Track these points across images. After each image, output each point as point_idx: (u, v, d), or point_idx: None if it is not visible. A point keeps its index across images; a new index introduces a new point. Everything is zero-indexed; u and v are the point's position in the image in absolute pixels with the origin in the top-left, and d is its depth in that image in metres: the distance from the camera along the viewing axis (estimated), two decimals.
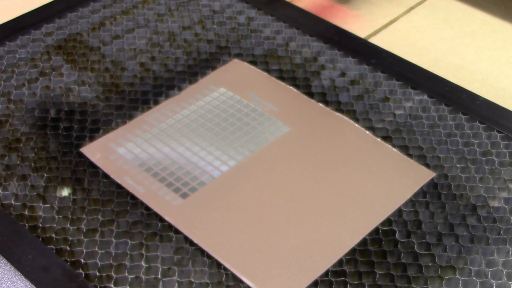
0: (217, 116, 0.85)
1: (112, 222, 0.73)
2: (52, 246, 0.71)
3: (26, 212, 0.74)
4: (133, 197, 0.76)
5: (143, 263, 0.70)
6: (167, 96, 0.88)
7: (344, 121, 0.84)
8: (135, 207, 0.75)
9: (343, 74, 0.90)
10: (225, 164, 0.79)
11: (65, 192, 0.76)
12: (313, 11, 1.03)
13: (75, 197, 0.76)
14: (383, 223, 0.73)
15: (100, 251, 0.71)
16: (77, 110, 0.86)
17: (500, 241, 0.72)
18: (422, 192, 0.76)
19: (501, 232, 0.72)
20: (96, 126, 0.84)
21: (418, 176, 0.78)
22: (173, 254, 0.70)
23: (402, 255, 0.70)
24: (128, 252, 0.71)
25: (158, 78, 0.90)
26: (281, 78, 0.90)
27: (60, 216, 0.74)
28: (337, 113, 0.85)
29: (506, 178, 0.77)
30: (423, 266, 0.70)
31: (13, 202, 0.75)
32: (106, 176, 0.78)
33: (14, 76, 0.90)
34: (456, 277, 0.69)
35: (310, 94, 0.88)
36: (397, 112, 0.85)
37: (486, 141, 0.81)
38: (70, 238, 0.72)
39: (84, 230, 0.72)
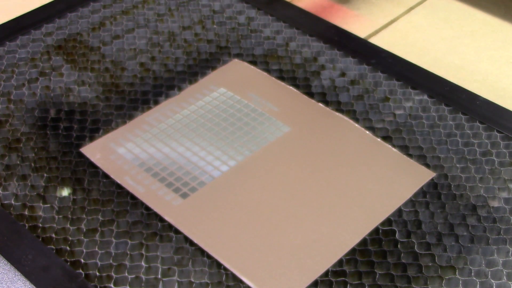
0: (217, 116, 0.85)
1: (112, 222, 0.73)
2: (52, 246, 0.71)
3: (26, 212, 0.74)
4: (133, 197, 0.76)
5: (143, 263, 0.70)
6: (167, 96, 0.88)
7: (344, 121, 0.84)
8: (135, 207, 0.75)
9: (343, 74, 0.90)
10: (225, 164, 0.79)
11: (65, 192, 0.76)
12: (313, 11, 1.03)
13: (75, 197, 0.76)
14: (383, 223, 0.73)
15: (100, 251, 0.71)
16: (77, 110, 0.86)
17: (500, 241, 0.72)
18: (422, 192, 0.76)
19: (501, 232, 0.72)
20: (96, 126, 0.84)
21: (418, 176, 0.78)
22: (173, 254, 0.70)
23: (402, 255, 0.70)
24: (128, 252, 0.71)
25: (158, 78, 0.90)
26: (281, 78, 0.90)
27: (60, 216, 0.74)
28: (337, 113, 0.85)
29: (506, 178, 0.77)
30: (423, 266, 0.70)
31: (13, 202, 0.75)
32: (106, 176, 0.78)
33: (14, 76, 0.90)
34: (456, 277, 0.69)
35: (310, 94, 0.88)
36: (397, 112, 0.85)
37: (486, 141, 0.81)
38: (70, 238, 0.72)
39: (84, 230, 0.72)
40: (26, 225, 0.73)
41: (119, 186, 0.77)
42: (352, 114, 0.85)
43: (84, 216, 0.74)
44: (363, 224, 0.73)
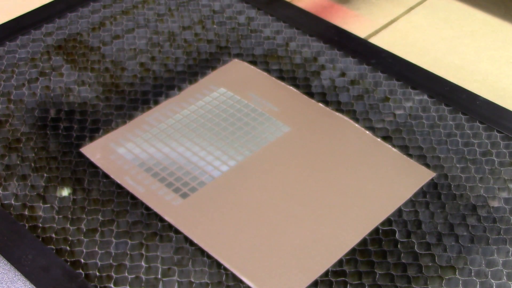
0: (217, 116, 0.85)
1: (112, 222, 0.73)
2: (52, 246, 0.71)
3: (26, 212, 0.74)
4: (133, 197, 0.76)
5: (143, 263, 0.70)
6: (167, 96, 0.88)
7: (344, 121, 0.84)
8: (135, 207, 0.75)
9: (343, 74, 0.90)
10: (225, 164, 0.79)
11: (65, 192, 0.76)
12: (313, 11, 1.03)
13: (75, 197, 0.76)
14: (383, 223, 0.73)
15: (100, 251, 0.71)
16: (77, 110, 0.86)
17: (500, 241, 0.72)
18: (422, 192, 0.76)
19: (501, 232, 0.72)
20: (96, 126, 0.84)
21: (418, 176, 0.78)
22: (173, 254, 0.70)
23: (402, 255, 0.70)
24: (128, 252, 0.71)
25: (158, 78, 0.90)
26: (281, 78, 0.90)
27: (60, 216, 0.74)
28: (337, 113, 0.85)
29: (506, 178, 0.77)
30: (423, 266, 0.70)
31: (13, 202, 0.75)
32: (106, 176, 0.78)
33: (14, 76, 0.90)
34: (456, 277, 0.69)
35: (310, 94, 0.88)
36: (397, 112, 0.85)
37: (486, 141, 0.81)
38: (70, 238, 0.72)
39: (84, 230, 0.72)
40: (26, 225, 0.73)
41: (119, 186, 0.77)
42: (352, 114, 0.85)
43: (84, 216, 0.74)
44: (363, 224, 0.73)
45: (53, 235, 0.72)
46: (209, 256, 0.70)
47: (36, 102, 0.86)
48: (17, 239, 0.71)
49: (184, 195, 0.76)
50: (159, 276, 0.69)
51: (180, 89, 0.89)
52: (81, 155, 0.80)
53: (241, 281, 0.68)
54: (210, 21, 0.98)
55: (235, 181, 0.77)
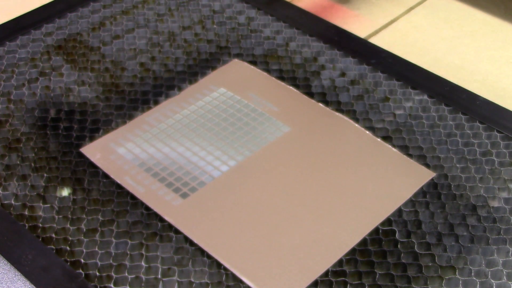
0: (217, 116, 0.85)
1: (112, 222, 0.73)
2: (52, 246, 0.71)
3: (26, 212, 0.74)
4: (133, 197, 0.76)
5: (143, 263, 0.70)
6: (167, 96, 0.88)
7: (344, 121, 0.84)
8: (135, 207, 0.75)
9: (343, 74, 0.90)
10: (225, 164, 0.79)
11: (65, 192, 0.76)
12: (313, 11, 1.03)
13: (75, 197, 0.76)
14: (383, 223, 0.73)
15: (100, 251, 0.71)
16: (77, 110, 0.86)
17: (500, 241, 0.72)
18: (422, 192, 0.76)
19: (501, 232, 0.72)
20: (96, 126, 0.84)
21: (418, 176, 0.78)
22: (173, 254, 0.70)
23: (402, 255, 0.70)
24: (128, 252, 0.71)
25: (158, 78, 0.90)
26: (281, 78, 0.90)
27: (60, 216, 0.74)
28: (337, 113, 0.85)
29: (506, 178, 0.77)
30: (423, 266, 0.69)
31: (13, 202, 0.75)
32: (106, 176, 0.78)
33: (14, 76, 0.90)
34: (456, 277, 0.69)
35: (310, 94, 0.88)
36: (397, 112, 0.85)
37: (486, 141, 0.81)
38: (70, 238, 0.72)
39: (84, 230, 0.72)
40: (26, 225, 0.73)
41: (119, 186, 0.77)
42: (352, 114, 0.85)
43: (84, 216, 0.74)
44: (363, 224, 0.73)
45: (53, 235, 0.72)
46: (209, 256, 0.70)
47: (36, 102, 0.86)
48: (17, 239, 0.71)
49: (184, 195, 0.76)
50: (159, 276, 0.69)
51: (180, 89, 0.89)
52: (81, 155, 0.80)
53: (241, 281, 0.68)
54: (210, 21, 0.98)
55: (235, 181, 0.77)
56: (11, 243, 0.71)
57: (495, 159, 0.79)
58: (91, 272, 0.69)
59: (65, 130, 0.83)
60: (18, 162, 0.79)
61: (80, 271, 0.69)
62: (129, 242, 0.71)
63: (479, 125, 0.83)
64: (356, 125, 0.84)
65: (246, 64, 0.92)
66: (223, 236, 0.72)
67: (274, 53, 0.94)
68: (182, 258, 0.70)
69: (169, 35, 0.96)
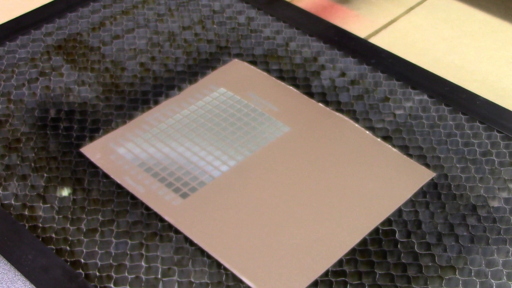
0: (217, 116, 0.85)
1: (112, 222, 0.73)
2: (52, 246, 0.71)
3: (26, 212, 0.74)
4: (133, 197, 0.76)
5: (143, 263, 0.70)
6: (167, 96, 0.88)
7: (344, 121, 0.84)
8: (135, 207, 0.75)
9: (343, 74, 0.90)
10: (225, 164, 0.79)
11: (65, 192, 0.76)
12: (313, 11, 1.03)
13: (75, 197, 0.76)
14: (383, 223, 0.73)
15: (100, 251, 0.71)
16: (77, 110, 0.86)
17: (500, 241, 0.72)
18: (422, 192, 0.76)
19: (501, 232, 0.72)
20: (96, 126, 0.84)
21: (418, 176, 0.78)
22: (173, 254, 0.70)
23: (402, 255, 0.70)
24: (128, 252, 0.71)
25: (158, 78, 0.90)
26: (281, 78, 0.90)
27: (60, 216, 0.74)
28: (337, 113, 0.85)
29: (506, 178, 0.77)
30: (423, 266, 0.70)
31: (13, 202, 0.75)
32: (106, 176, 0.78)
33: (14, 76, 0.90)
34: (456, 277, 0.69)
35: (310, 94, 0.88)
36: (397, 112, 0.85)
37: (486, 141, 0.81)
38: (70, 238, 0.72)
39: (84, 230, 0.72)
40: (26, 225, 0.73)
41: (119, 186, 0.77)
42: (352, 114, 0.85)
43: (84, 216, 0.74)
44: (363, 224, 0.73)
45: (53, 235, 0.72)
46: (209, 256, 0.70)
47: (36, 102, 0.86)
48: (17, 239, 0.71)
49: (184, 195, 0.76)
50: (159, 276, 0.69)
51: (180, 89, 0.89)
52: (81, 155, 0.80)
53: (241, 281, 0.68)
54: (210, 21, 0.98)
55: (235, 181, 0.77)
56: (11, 243, 0.71)
57: (495, 159, 0.79)
58: (91, 272, 0.69)
59: (65, 130, 0.83)
60: (18, 162, 0.79)
61: (80, 271, 0.69)
62: (129, 242, 0.71)
63: (479, 125, 0.83)
64: (356, 125, 0.84)
65: (246, 64, 0.92)
66: (223, 236, 0.72)
67: (274, 53, 0.94)
68: (182, 258, 0.70)
69: (169, 35, 0.96)
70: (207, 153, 0.80)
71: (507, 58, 0.98)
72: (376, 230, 0.73)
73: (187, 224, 0.73)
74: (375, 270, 0.69)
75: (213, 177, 0.78)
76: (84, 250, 0.71)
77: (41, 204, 0.75)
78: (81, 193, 0.76)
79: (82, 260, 0.70)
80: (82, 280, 0.68)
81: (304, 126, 0.84)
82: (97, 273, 0.69)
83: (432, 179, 0.77)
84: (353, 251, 0.71)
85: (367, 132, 0.83)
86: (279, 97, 0.87)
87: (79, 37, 0.96)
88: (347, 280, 0.68)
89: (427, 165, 0.79)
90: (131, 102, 0.87)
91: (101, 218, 0.73)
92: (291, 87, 0.89)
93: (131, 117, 0.85)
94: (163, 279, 0.69)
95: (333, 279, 0.69)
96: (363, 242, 0.72)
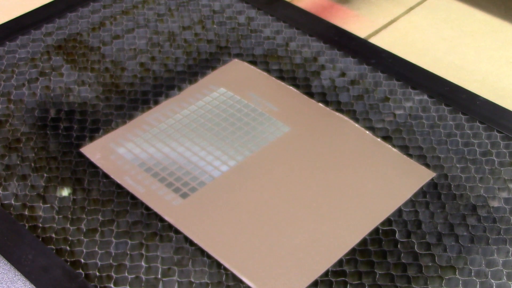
0: (217, 116, 0.85)
1: (112, 222, 0.73)
2: (52, 246, 0.71)
3: (26, 212, 0.74)
4: (133, 197, 0.76)
5: (143, 263, 0.70)
6: (167, 96, 0.88)
7: (344, 121, 0.84)
8: (135, 207, 0.75)
9: (343, 74, 0.90)
10: (225, 164, 0.79)
11: (65, 192, 0.76)
12: (313, 11, 1.03)
13: (75, 197, 0.76)
14: (383, 223, 0.73)
15: (100, 251, 0.71)
16: (77, 110, 0.86)
17: (500, 241, 0.72)
18: (422, 192, 0.76)
19: (501, 232, 0.72)
20: (96, 126, 0.84)
21: (418, 176, 0.78)
22: (173, 254, 0.70)
23: (402, 255, 0.70)
24: (128, 252, 0.71)
25: (158, 78, 0.90)
26: (281, 78, 0.90)
27: (60, 216, 0.74)
28: (337, 113, 0.85)
29: (506, 178, 0.77)
30: (423, 266, 0.70)
31: (13, 202, 0.75)
32: (106, 176, 0.78)
33: (14, 76, 0.90)
34: (456, 277, 0.69)
35: (310, 94, 0.88)
36: (397, 112, 0.85)
37: (486, 141, 0.81)
38: (70, 238, 0.72)
39: (84, 230, 0.72)
40: (26, 225, 0.73)
41: (119, 186, 0.77)
42: (352, 114, 0.85)
43: (84, 216, 0.74)
44: (363, 224, 0.73)
45: (53, 235, 0.72)
46: (209, 256, 0.70)
47: (36, 102, 0.86)
48: (17, 239, 0.71)
49: (184, 195, 0.76)
50: (159, 276, 0.69)
51: (180, 89, 0.89)
52: (81, 155, 0.80)
53: (241, 281, 0.68)
54: (210, 21, 0.98)
55: (235, 181, 0.77)
56: (11, 243, 0.71)
57: (495, 159, 0.79)
58: (91, 272, 0.69)
59: (65, 130, 0.83)
60: (18, 162, 0.79)
61: (80, 271, 0.69)
62: (129, 242, 0.71)
63: (479, 125, 0.83)
64: (356, 125, 0.84)
65: (246, 64, 0.92)
66: (223, 236, 0.72)
67: (274, 53, 0.94)
68: (182, 258, 0.70)
69: (169, 35, 0.96)
70: (207, 153, 0.80)
71: (507, 58, 0.98)
72: (376, 230, 0.73)
73: (187, 224, 0.73)
74: (375, 270, 0.69)
75: (213, 177, 0.78)
76: (84, 250, 0.71)
77: (41, 204, 0.75)
78: (81, 193, 0.76)
79: (82, 260, 0.70)
80: (82, 280, 0.68)
81: (304, 126, 0.84)
82: (97, 273, 0.69)
83: (432, 179, 0.77)
84: (353, 251, 0.71)
85: (367, 132, 0.83)
86: (279, 97, 0.87)
87: (79, 37, 0.96)
88: (347, 280, 0.68)
89: (427, 165, 0.79)
90: (131, 102, 0.87)
91: (101, 218, 0.73)
92: (291, 87, 0.89)
93: (131, 117, 0.85)
94: (163, 279, 0.69)
95: (333, 279, 0.69)
96: (363, 242, 0.72)
